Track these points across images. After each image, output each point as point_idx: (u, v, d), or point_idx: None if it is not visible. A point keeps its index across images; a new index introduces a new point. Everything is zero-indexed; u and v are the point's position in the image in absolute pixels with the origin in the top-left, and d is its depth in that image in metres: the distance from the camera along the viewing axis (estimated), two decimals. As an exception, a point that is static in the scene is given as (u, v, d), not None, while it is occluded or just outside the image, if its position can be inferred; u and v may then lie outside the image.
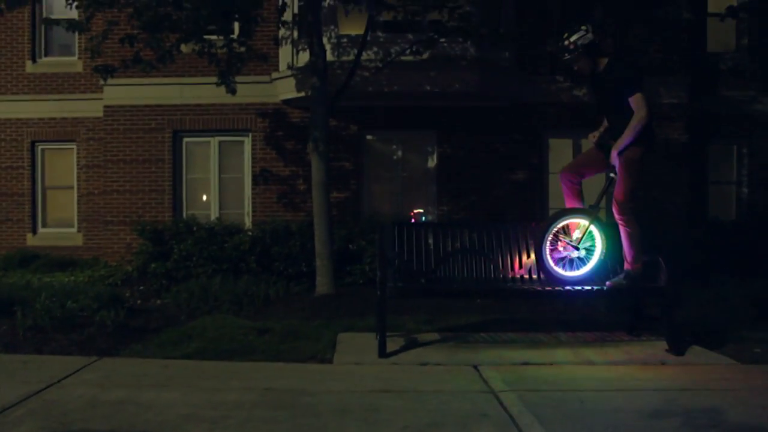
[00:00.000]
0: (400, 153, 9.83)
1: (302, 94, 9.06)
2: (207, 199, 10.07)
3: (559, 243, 4.56)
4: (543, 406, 3.30)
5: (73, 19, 7.76)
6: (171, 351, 4.55)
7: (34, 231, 10.92)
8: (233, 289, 6.81)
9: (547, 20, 9.36)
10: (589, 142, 4.84)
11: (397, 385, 3.74)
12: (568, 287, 4.54)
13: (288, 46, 9.50)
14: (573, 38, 4.37)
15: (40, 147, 11.01)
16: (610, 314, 5.83)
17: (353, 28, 8.83)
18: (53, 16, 10.57)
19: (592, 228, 4.54)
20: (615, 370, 4.10)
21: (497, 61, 9.21)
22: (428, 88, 9.06)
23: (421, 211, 7.90)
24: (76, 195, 10.89)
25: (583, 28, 4.38)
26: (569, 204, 4.73)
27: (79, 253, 10.51)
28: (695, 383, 3.82)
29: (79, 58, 10.77)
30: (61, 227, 10.97)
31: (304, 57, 9.03)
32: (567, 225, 4.61)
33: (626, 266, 4.47)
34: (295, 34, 9.40)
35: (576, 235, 4.58)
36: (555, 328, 5.27)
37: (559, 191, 9.70)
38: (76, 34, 7.70)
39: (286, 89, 9.48)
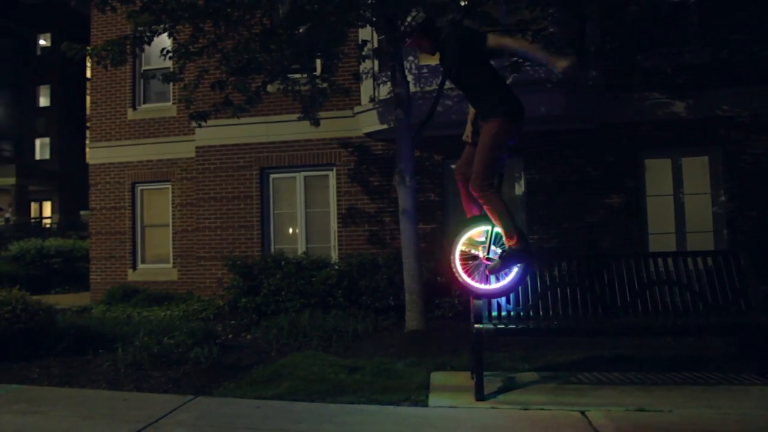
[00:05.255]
0: (485, 181, 9.55)
1: (385, 126, 9.06)
2: (294, 234, 10.22)
3: (472, 258, 4.13)
4: (669, 463, 2.92)
5: (168, 69, 8.21)
6: (263, 390, 4.51)
7: (134, 267, 11.50)
8: (322, 324, 6.78)
9: (634, 34, 8.89)
10: (467, 143, 4.31)
11: (499, 433, 3.47)
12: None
13: (369, 79, 9.58)
14: (407, 21, 4.15)
15: (139, 188, 11.66)
16: (730, 352, 5.25)
17: (433, 58, 8.73)
18: (151, 67, 11.31)
19: (498, 230, 4.06)
20: (751, 423, 3.59)
21: (584, 81, 8.82)
22: (513, 113, 8.79)
23: None
24: (171, 232, 11.39)
25: (415, 10, 4.19)
26: (467, 208, 4.29)
27: (175, 287, 10.94)
28: None
29: (173, 103, 11.39)
30: (158, 263, 11.49)
31: (385, 90, 9.05)
32: (473, 237, 4.16)
33: (506, 244, 4.02)
34: (376, 67, 9.47)
35: (483, 244, 4.13)
36: (667, 367, 4.79)
37: (659, 215, 9.18)
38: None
39: (368, 122, 9.53)
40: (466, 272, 4.08)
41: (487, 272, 4.06)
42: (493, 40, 3.89)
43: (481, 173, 3.90)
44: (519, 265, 4.03)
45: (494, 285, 4.11)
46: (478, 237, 4.16)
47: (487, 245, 4.08)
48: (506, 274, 4.08)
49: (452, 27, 6.15)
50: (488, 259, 4.05)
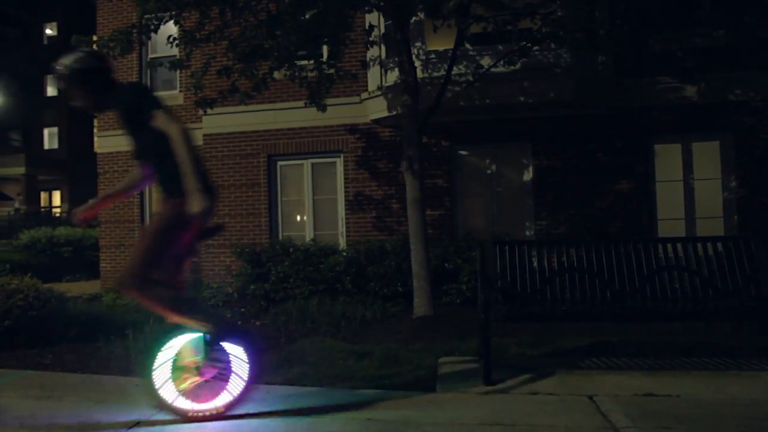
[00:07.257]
0: (494, 167, 9.53)
1: (393, 112, 9.03)
2: (302, 221, 10.24)
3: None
4: (678, 448, 2.92)
5: (174, 57, 8.21)
6: (272, 376, 4.53)
7: (144, 255, 11.55)
8: (330, 310, 6.82)
9: (645, 17, 8.76)
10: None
11: (507, 418, 3.47)
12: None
13: (376, 66, 9.53)
14: (67, 61, 3.16)
15: (148, 176, 11.69)
16: (740, 338, 5.23)
17: (441, 43, 8.71)
18: (157, 55, 11.30)
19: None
20: (760, 408, 3.58)
21: (593, 66, 8.74)
22: (521, 99, 8.75)
23: None
24: (180, 220, 11.42)
25: (84, 50, 3.31)
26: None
27: (184, 275, 10.98)
28: None
29: (180, 91, 11.39)
30: (167, 251, 11.53)
31: (392, 76, 9.01)
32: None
33: None
34: (383, 53, 9.42)
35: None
36: (676, 353, 4.78)
37: (668, 201, 9.11)
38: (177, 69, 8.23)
39: (375, 109, 9.49)
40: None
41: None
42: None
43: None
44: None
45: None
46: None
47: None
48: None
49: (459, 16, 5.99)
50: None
